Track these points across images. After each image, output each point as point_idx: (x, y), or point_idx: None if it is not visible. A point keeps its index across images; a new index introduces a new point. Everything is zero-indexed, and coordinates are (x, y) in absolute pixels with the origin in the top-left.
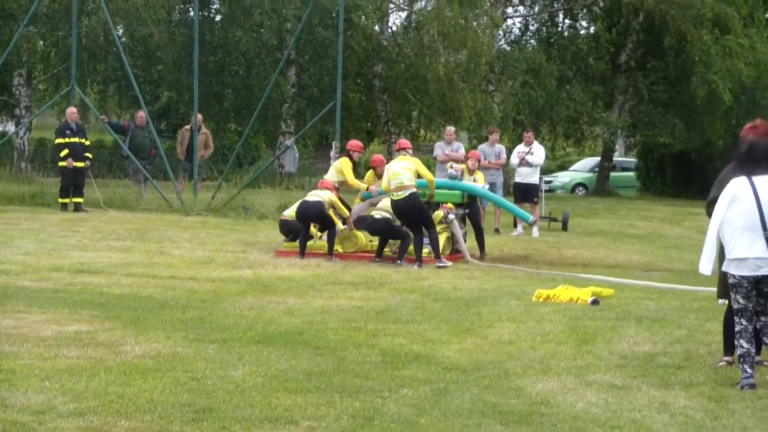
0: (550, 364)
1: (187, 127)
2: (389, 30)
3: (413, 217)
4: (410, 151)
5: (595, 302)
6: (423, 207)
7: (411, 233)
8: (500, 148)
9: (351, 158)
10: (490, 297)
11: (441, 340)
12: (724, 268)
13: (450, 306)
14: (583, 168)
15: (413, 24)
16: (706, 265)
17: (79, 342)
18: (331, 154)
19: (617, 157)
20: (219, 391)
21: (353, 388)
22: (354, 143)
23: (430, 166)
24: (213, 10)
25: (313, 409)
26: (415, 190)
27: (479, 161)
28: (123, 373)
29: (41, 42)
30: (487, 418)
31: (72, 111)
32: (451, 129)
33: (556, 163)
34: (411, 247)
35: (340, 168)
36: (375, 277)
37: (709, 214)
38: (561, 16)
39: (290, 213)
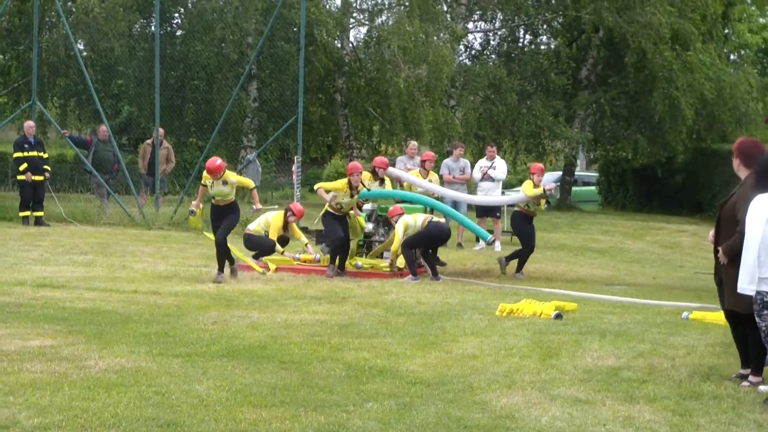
0: (515, 378)
1: (149, 141)
2: (350, 44)
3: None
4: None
5: (558, 316)
6: None
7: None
8: (465, 162)
9: (374, 174)
10: (453, 311)
11: (405, 354)
12: (757, 288)
13: (414, 320)
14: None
15: (374, 38)
16: (749, 284)
17: (43, 356)
18: (294, 168)
19: (579, 172)
20: (183, 406)
21: (318, 402)
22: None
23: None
24: (174, 25)
25: (278, 423)
26: None
27: (542, 172)
28: (87, 387)
29: (1, 56)
30: None
31: (30, 125)
32: (413, 143)
33: (517, 178)
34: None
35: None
36: (338, 292)
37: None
38: (522, 31)
39: (255, 227)
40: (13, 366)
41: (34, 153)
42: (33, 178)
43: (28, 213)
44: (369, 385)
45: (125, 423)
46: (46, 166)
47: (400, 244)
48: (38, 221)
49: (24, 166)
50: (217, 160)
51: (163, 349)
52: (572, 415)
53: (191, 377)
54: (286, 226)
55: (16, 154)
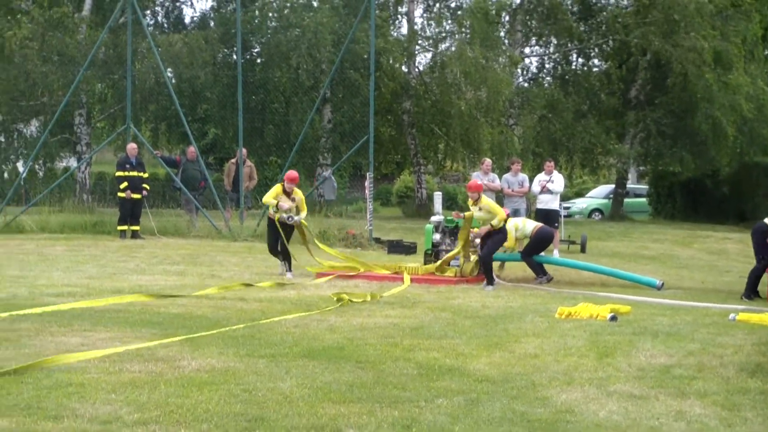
0: (573, 375)
1: (233, 160)
2: (416, 69)
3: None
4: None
5: (613, 318)
6: None
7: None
8: (523, 177)
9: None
10: (516, 314)
11: (472, 354)
12: None
13: (479, 323)
14: (598, 195)
15: (438, 64)
16: None
17: (141, 358)
18: (366, 183)
19: (630, 185)
20: (269, 402)
21: (392, 399)
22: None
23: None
24: (254, 53)
25: (356, 418)
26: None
27: None
28: (181, 385)
29: (99, 84)
30: (516, 426)
31: (132, 147)
32: (488, 161)
33: (573, 191)
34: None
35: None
36: (409, 297)
37: None
38: (574, 55)
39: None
40: (114, 366)
41: (135, 173)
42: (132, 195)
43: (125, 227)
44: (439, 383)
45: (216, 418)
46: (145, 185)
47: (513, 242)
48: (134, 235)
49: (124, 184)
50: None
51: (249, 350)
52: (628, 410)
53: (276, 376)
54: (288, 194)
55: (117, 173)
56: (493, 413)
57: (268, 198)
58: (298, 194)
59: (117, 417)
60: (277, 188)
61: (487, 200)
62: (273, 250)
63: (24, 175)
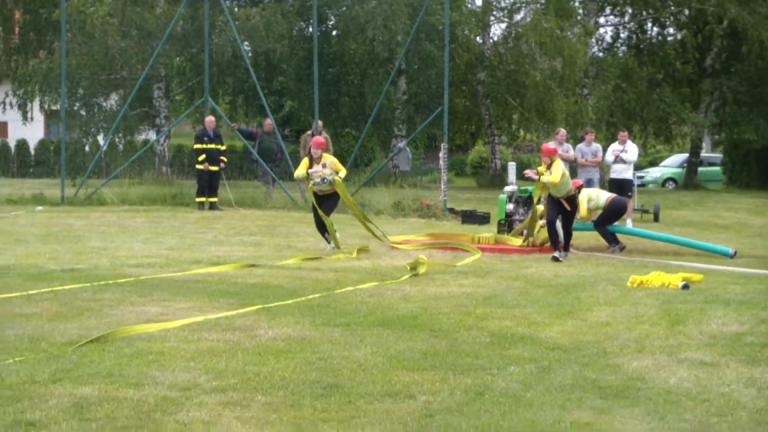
0: (645, 343)
1: (309, 132)
2: (491, 40)
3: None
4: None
5: (685, 287)
6: None
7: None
8: (596, 146)
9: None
10: (588, 283)
11: (544, 323)
12: None
13: (551, 291)
14: (672, 164)
15: (513, 34)
16: None
17: (219, 327)
18: (440, 154)
19: (704, 153)
20: (344, 370)
21: (465, 366)
22: None
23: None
24: (330, 26)
25: (429, 385)
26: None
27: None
28: (258, 354)
29: (177, 58)
30: (587, 393)
31: (210, 120)
32: (563, 131)
33: (647, 160)
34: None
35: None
36: (482, 267)
37: None
38: (649, 24)
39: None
40: (193, 335)
41: (212, 145)
42: (210, 168)
43: (203, 199)
44: (511, 351)
45: (292, 385)
46: (222, 158)
47: (586, 212)
48: (212, 206)
49: (202, 156)
50: None
51: (325, 319)
52: (698, 377)
53: (350, 344)
54: (317, 161)
55: (195, 146)
56: (565, 380)
57: (298, 172)
58: (328, 158)
59: (196, 384)
60: (304, 161)
61: (557, 165)
62: (319, 227)
63: (104, 148)
